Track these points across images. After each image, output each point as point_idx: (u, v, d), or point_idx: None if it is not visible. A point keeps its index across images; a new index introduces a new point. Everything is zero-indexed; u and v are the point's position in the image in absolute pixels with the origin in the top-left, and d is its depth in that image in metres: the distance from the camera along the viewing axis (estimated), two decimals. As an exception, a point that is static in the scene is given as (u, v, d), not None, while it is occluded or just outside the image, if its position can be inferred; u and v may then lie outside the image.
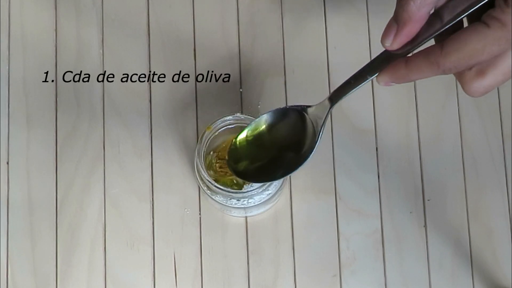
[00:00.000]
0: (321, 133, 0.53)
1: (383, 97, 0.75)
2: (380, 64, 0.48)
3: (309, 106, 0.54)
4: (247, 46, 0.76)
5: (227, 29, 0.76)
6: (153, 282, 0.72)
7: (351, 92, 0.50)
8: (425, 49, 0.45)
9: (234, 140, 0.59)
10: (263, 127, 0.58)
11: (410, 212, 0.73)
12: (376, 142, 0.74)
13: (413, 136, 0.74)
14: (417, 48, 0.46)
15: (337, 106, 0.74)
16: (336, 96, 0.52)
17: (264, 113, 0.58)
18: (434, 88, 0.75)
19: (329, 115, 0.53)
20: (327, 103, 0.53)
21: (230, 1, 0.77)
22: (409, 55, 0.47)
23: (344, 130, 0.74)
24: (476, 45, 0.42)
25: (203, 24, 0.76)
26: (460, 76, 0.46)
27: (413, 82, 0.75)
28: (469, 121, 0.74)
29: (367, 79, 0.49)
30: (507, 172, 0.73)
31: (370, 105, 0.75)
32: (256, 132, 0.58)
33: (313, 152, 0.54)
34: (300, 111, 0.55)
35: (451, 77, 0.75)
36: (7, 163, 0.74)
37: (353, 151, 0.74)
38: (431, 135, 0.74)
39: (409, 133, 0.74)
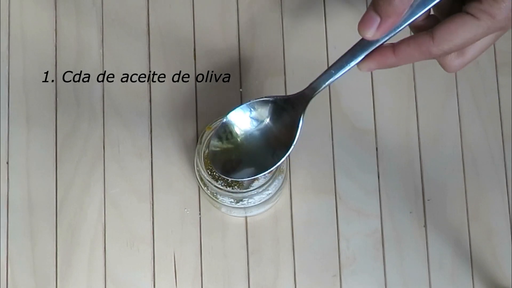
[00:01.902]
0: (300, 125, 0.54)
1: (383, 97, 0.75)
2: (360, 52, 0.50)
3: (287, 97, 0.55)
4: (247, 46, 0.76)
5: (227, 29, 0.76)
6: (153, 282, 0.72)
7: (331, 80, 0.52)
8: (414, 37, 0.48)
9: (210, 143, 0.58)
10: (236, 128, 0.58)
11: (410, 212, 0.73)
12: (376, 142, 0.74)
13: (413, 136, 0.74)
14: (392, 35, 0.49)
15: (337, 106, 0.75)
16: (317, 86, 0.53)
17: (236, 108, 0.57)
18: (434, 88, 0.75)
19: (307, 105, 0.54)
20: (307, 92, 0.53)
21: (230, 1, 0.77)
22: (393, 42, 0.49)
23: (344, 130, 0.74)
24: (468, 35, 0.47)
25: (203, 24, 0.76)
26: (441, 57, 0.50)
27: (413, 82, 0.75)
28: (469, 121, 0.74)
29: (348, 67, 0.51)
30: (507, 172, 0.73)
31: (370, 105, 0.74)
32: (232, 132, 0.58)
33: (293, 144, 0.54)
34: (277, 103, 0.56)
35: (451, 77, 0.75)
36: (7, 163, 0.74)
37: (353, 151, 0.74)
38: (431, 135, 0.74)
39: (409, 133, 0.74)
